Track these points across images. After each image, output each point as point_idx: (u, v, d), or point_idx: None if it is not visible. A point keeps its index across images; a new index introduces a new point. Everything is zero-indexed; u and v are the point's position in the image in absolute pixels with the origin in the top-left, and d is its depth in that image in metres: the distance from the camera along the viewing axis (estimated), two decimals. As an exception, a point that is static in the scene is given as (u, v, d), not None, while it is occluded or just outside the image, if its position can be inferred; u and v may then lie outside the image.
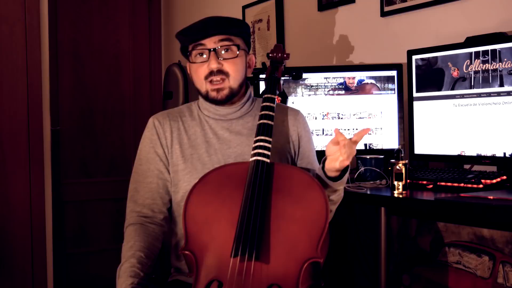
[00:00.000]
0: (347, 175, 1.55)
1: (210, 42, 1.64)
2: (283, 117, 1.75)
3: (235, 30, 1.67)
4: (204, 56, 1.65)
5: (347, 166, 1.52)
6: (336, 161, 1.46)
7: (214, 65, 1.63)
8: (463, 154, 1.98)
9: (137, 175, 1.71)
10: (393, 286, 2.01)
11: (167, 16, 4.00)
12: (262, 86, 1.88)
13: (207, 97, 1.69)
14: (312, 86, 2.31)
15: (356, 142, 1.45)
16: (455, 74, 1.99)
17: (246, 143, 1.68)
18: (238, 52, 1.66)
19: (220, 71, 1.64)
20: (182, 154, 1.68)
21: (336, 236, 2.20)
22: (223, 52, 1.65)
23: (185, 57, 1.74)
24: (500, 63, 1.86)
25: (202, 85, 1.67)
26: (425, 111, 2.09)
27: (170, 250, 1.75)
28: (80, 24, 3.69)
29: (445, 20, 2.23)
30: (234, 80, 1.66)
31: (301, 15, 2.92)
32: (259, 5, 3.17)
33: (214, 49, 1.63)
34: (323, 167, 1.53)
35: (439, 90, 2.04)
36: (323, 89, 2.31)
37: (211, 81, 1.65)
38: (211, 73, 1.64)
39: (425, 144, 2.10)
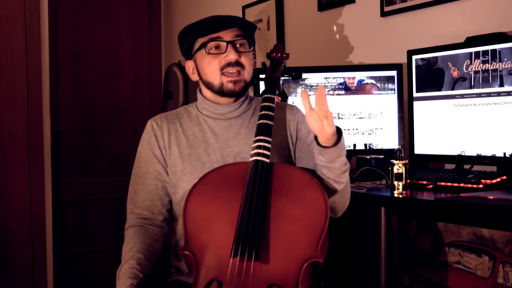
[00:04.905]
0: (343, 139, 1.53)
1: (227, 35, 1.66)
2: (281, 114, 1.75)
3: (248, 30, 1.71)
4: (219, 48, 1.66)
5: (340, 130, 1.52)
6: (323, 130, 1.47)
7: (233, 56, 1.65)
8: (463, 154, 1.98)
9: (137, 178, 1.72)
10: (393, 286, 2.01)
11: (167, 16, 4.00)
12: (262, 86, 1.88)
13: (220, 90, 1.68)
14: (312, 86, 2.31)
15: (324, 106, 1.45)
16: (455, 74, 1.99)
17: (244, 142, 1.68)
18: (250, 49, 1.70)
19: (238, 63, 1.66)
20: (180, 155, 1.68)
21: (336, 236, 2.20)
22: (238, 45, 1.68)
23: (187, 53, 1.74)
24: (500, 63, 1.86)
25: (216, 77, 1.67)
26: (425, 111, 2.09)
27: (170, 250, 1.75)
28: (80, 24, 3.69)
29: (445, 20, 2.23)
30: (248, 73, 1.69)
31: (301, 15, 2.92)
32: (259, 5, 3.17)
33: (231, 42, 1.66)
34: (318, 144, 1.52)
35: (439, 90, 2.04)
36: (323, 89, 2.31)
37: (226, 73, 1.66)
38: (229, 64, 1.65)
39: (425, 144, 2.09)
